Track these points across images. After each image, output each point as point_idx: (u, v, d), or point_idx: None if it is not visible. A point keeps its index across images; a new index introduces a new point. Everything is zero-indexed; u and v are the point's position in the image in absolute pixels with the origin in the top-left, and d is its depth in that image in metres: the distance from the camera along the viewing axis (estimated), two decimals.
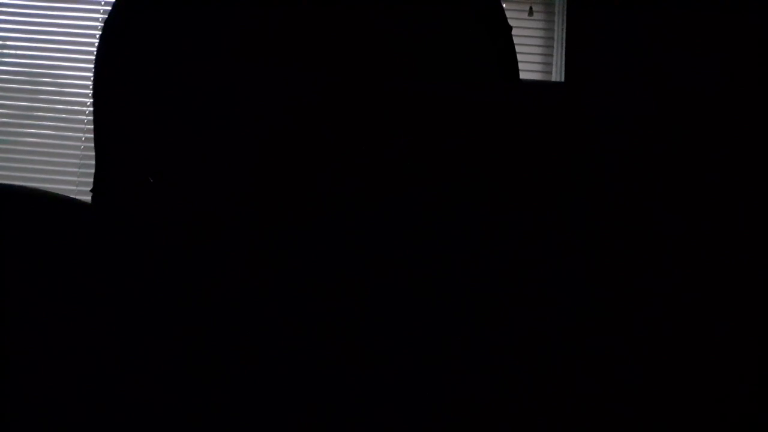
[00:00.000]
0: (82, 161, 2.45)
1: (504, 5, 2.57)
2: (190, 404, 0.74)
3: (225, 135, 0.91)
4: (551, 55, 2.48)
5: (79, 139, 2.46)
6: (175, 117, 0.92)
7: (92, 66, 2.51)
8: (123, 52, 0.95)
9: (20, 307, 0.74)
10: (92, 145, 2.46)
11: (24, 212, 0.82)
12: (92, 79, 0.99)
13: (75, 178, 2.40)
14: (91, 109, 2.48)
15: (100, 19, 2.55)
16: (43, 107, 2.48)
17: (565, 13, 2.46)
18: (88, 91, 2.50)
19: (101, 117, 0.96)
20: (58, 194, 0.88)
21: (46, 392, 0.71)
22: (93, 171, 2.42)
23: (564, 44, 2.40)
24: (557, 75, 2.39)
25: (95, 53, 0.98)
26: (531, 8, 2.52)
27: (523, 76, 2.50)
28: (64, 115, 2.47)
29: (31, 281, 0.75)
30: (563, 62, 2.37)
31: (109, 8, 2.55)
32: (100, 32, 2.53)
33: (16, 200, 0.84)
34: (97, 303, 0.76)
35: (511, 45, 1.02)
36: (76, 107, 2.48)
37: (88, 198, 1.16)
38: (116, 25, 0.95)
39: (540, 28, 2.53)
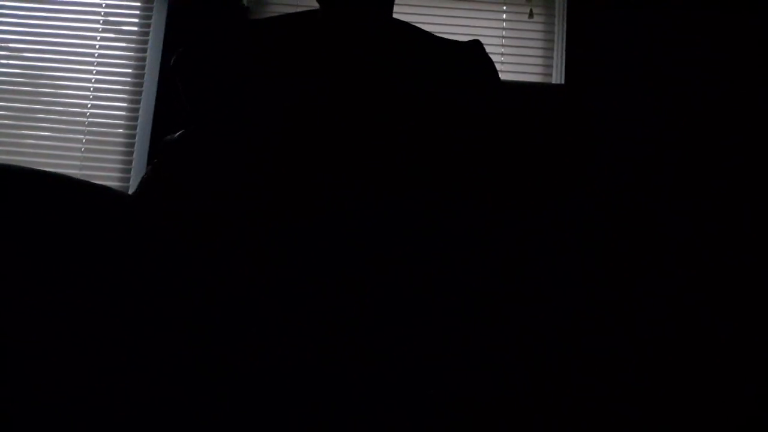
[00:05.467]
0: (83, 162, 2.45)
1: (504, 7, 2.57)
2: (192, 400, 0.74)
3: (232, 139, 0.91)
4: (551, 57, 2.48)
5: (79, 140, 2.46)
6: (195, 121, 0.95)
7: (92, 67, 2.51)
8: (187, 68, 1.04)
9: (25, 297, 0.74)
10: (92, 146, 2.46)
11: (36, 196, 0.82)
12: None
13: None
14: (92, 110, 2.48)
15: (101, 21, 2.55)
16: (44, 108, 2.48)
17: (565, 14, 2.46)
18: (88, 93, 2.50)
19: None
20: (64, 175, 0.88)
21: (45, 386, 0.71)
22: (93, 172, 2.42)
23: (564, 45, 2.40)
24: (557, 77, 2.39)
25: (170, 71, 1.07)
26: (531, 11, 2.52)
27: (523, 77, 2.50)
28: (64, 117, 2.48)
29: (39, 271, 0.75)
30: (563, 64, 2.37)
31: (110, 10, 2.55)
32: (101, 34, 2.53)
33: (22, 181, 0.84)
34: (101, 297, 0.76)
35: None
36: (76, 108, 2.48)
37: None
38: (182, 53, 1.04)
39: (540, 30, 2.53)
